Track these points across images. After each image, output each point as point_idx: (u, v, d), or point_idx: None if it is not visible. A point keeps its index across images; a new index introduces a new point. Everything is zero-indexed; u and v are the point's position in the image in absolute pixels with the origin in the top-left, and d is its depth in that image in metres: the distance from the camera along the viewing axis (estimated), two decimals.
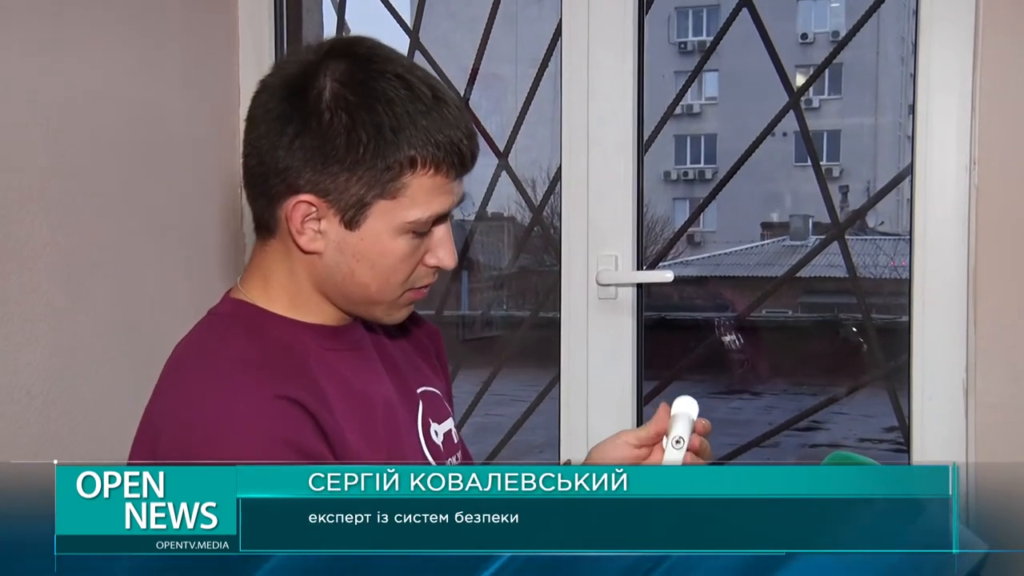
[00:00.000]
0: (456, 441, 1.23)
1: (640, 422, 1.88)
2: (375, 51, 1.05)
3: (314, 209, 1.03)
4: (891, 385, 1.84)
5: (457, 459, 1.23)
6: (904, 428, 1.75)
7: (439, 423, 1.21)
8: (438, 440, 1.19)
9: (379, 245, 1.05)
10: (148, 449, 1.03)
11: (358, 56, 1.04)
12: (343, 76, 1.02)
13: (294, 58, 1.07)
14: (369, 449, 1.06)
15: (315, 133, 1.01)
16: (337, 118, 1.01)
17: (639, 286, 1.85)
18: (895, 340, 1.81)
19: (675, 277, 1.86)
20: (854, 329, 9.81)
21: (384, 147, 1.01)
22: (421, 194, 1.04)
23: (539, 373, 1.93)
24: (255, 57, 2.06)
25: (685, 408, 1.19)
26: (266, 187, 1.04)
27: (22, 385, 1.60)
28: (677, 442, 1.16)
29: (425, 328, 1.28)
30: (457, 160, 1.04)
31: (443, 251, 1.08)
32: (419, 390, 1.20)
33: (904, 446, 1.74)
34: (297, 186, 1.02)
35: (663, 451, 1.17)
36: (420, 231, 1.05)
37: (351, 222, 1.03)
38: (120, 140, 1.78)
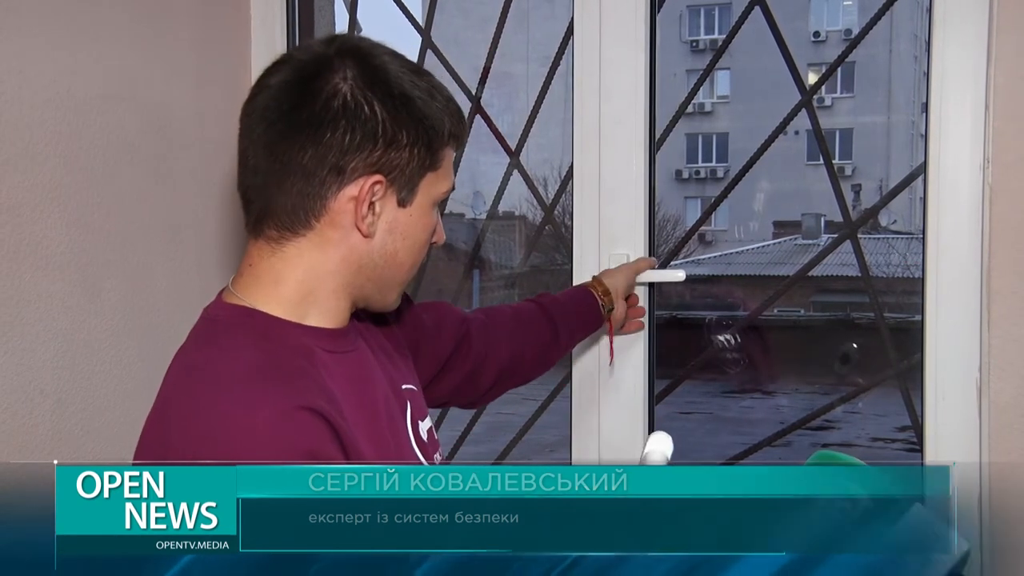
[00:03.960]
0: (436, 438, 1.25)
1: (651, 421, 1.88)
2: (372, 45, 1.10)
3: (380, 188, 1.06)
4: (904, 384, 1.83)
5: (440, 455, 1.24)
6: (917, 427, 1.74)
7: (422, 420, 1.23)
8: (424, 437, 1.20)
9: (423, 219, 1.11)
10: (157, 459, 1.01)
11: (361, 50, 1.08)
12: (360, 67, 1.06)
13: (301, 55, 1.10)
14: (377, 453, 1.07)
15: (368, 119, 1.05)
16: (387, 100, 1.05)
17: (651, 285, 1.85)
18: (908, 339, 1.80)
19: (687, 276, 1.85)
20: (855, 346, 9.77)
21: (432, 119, 1.08)
22: (446, 167, 1.12)
23: (550, 372, 1.93)
24: (267, 57, 2.04)
25: (658, 445, 1.16)
26: (315, 181, 1.05)
27: (35, 383, 1.61)
28: None
29: (398, 319, 1.31)
30: (463, 133, 1.14)
31: (440, 228, 1.17)
32: (403, 387, 1.21)
33: (917, 446, 1.73)
34: (360, 169, 1.05)
35: None
36: (440, 206, 1.14)
37: (405, 199, 1.09)
38: (133, 140, 1.79)
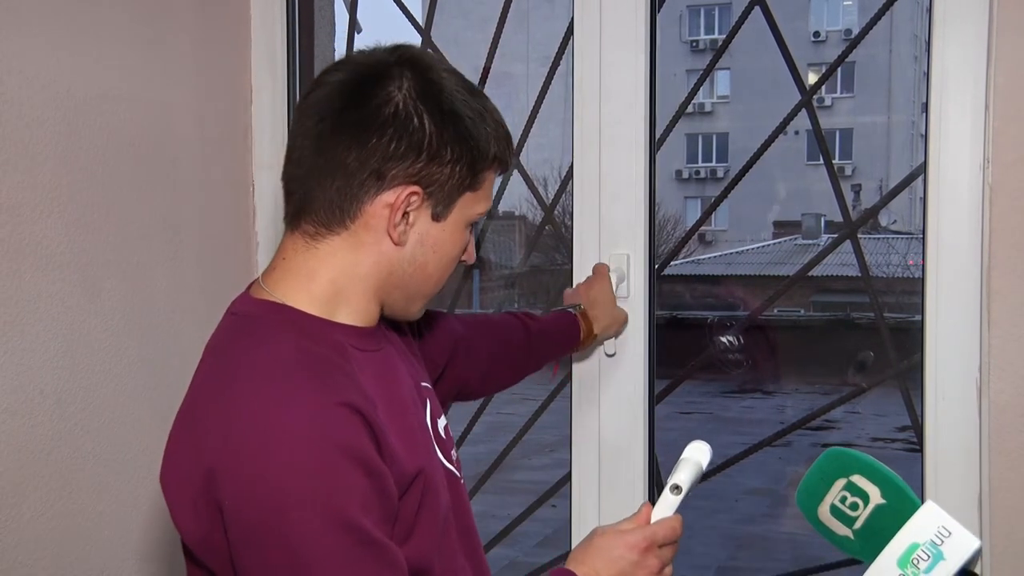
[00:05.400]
0: (451, 435, 1.26)
1: (651, 421, 1.88)
2: (433, 60, 1.12)
3: (416, 199, 1.08)
4: (904, 384, 1.83)
5: (455, 451, 1.24)
6: (917, 428, 1.74)
7: (439, 418, 1.24)
8: (442, 434, 1.22)
9: (455, 236, 1.13)
10: (195, 455, 1.01)
11: (421, 62, 1.10)
12: (416, 79, 1.08)
13: (362, 59, 1.11)
14: (406, 451, 1.07)
15: (415, 130, 1.06)
16: (437, 115, 1.07)
17: (651, 285, 1.85)
18: (908, 339, 1.80)
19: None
20: (871, 353, 9.76)
21: (479, 140, 1.10)
22: (487, 189, 1.14)
23: (550, 372, 1.93)
24: (267, 58, 2.07)
25: (694, 454, 1.16)
26: (355, 182, 1.07)
27: (35, 383, 1.61)
28: (674, 488, 1.14)
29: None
30: (509, 159, 1.16)
31: (471, 246, 1.19)
32: (422, 385, 1.22)
33: (917, 446, 1.73)
34: (399, 178, 1.07)
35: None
36: (474, 225, 1.16)
37: (439, 214, 1.11)
38: (133, 140, 1.79)
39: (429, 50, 1.14)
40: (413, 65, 1.08)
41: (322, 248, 1.10)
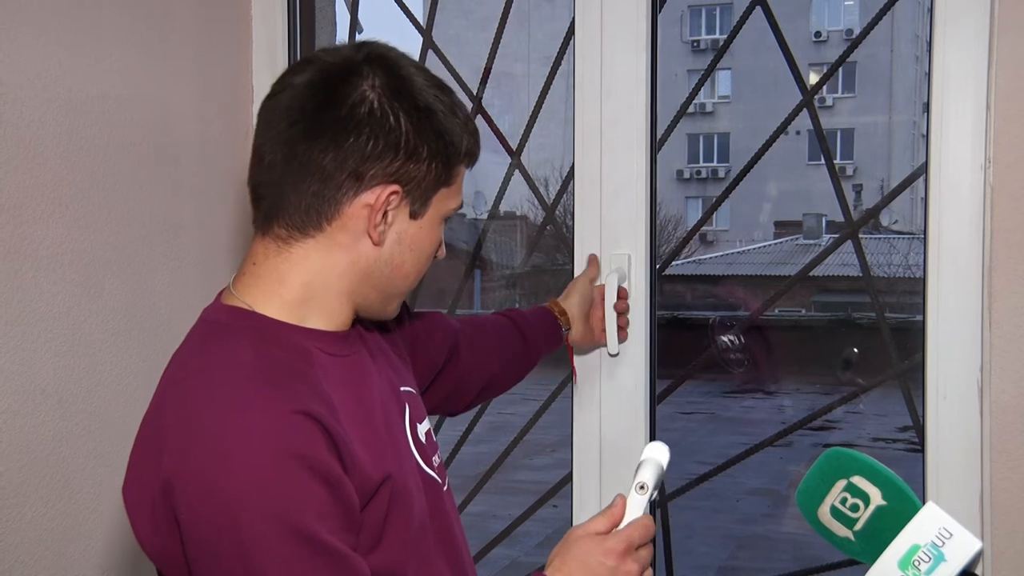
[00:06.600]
0: (435, 440, 1.25)
1: (652, 421, 1.88)
2: (400, 56, 1.11)
3: (395, 198, 1.07)
4: (905, 384, 1.83)
5: (439, 457, 1.23)
6: (918, 428, 1.74)
7: (420, 422, 1.22)
8: (422, 439, 1.20)
9: (431, 233, 1.13)
10: (153, 464, 1.01)
11: (389, 59, 1.09)
12: (387, 77, 1.07)
13: (329, 58, 1.09)
14: (372, 457, 1.06)
15: (392, 129, 1.05)
16: (413, 113, 1.06)
17: (652, 285, 1.85)
18: (909, 339, 1.80)
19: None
20: (855, 350, 9.76)
21: (452, 135, 1.09)
22: (459, 184, 1.13)
23: (551, 372, 1.93)
24: (268, 57, 2.07)
25: (654, 454, 1.16)
26: (332, 184, 1.05)
27: (36, 383, 1.61)
28: (640, 487, 1.14)
29: (396, 324, 1.32)
30: (478, 152, 1.14)
31: (443, 242, 1.18)
32: (402, 389, 1.21)
33: (918, 446, 1.73)
34: (378, 178, 1.06)
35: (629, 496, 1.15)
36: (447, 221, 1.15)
37: (417, 212, 1.10)
38: (134, 140, 1.79)
39: (393, 45, 1.12)
40: (382, 62, 1.07)
41: (295, 252, 1.08)
